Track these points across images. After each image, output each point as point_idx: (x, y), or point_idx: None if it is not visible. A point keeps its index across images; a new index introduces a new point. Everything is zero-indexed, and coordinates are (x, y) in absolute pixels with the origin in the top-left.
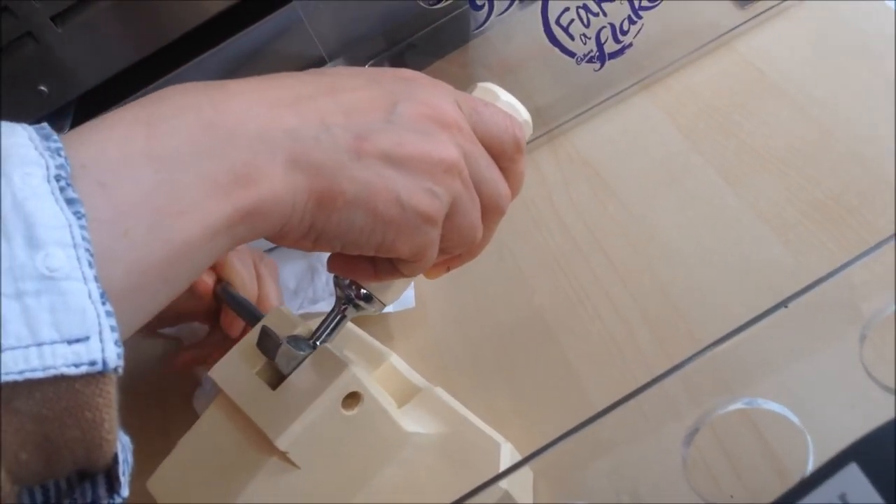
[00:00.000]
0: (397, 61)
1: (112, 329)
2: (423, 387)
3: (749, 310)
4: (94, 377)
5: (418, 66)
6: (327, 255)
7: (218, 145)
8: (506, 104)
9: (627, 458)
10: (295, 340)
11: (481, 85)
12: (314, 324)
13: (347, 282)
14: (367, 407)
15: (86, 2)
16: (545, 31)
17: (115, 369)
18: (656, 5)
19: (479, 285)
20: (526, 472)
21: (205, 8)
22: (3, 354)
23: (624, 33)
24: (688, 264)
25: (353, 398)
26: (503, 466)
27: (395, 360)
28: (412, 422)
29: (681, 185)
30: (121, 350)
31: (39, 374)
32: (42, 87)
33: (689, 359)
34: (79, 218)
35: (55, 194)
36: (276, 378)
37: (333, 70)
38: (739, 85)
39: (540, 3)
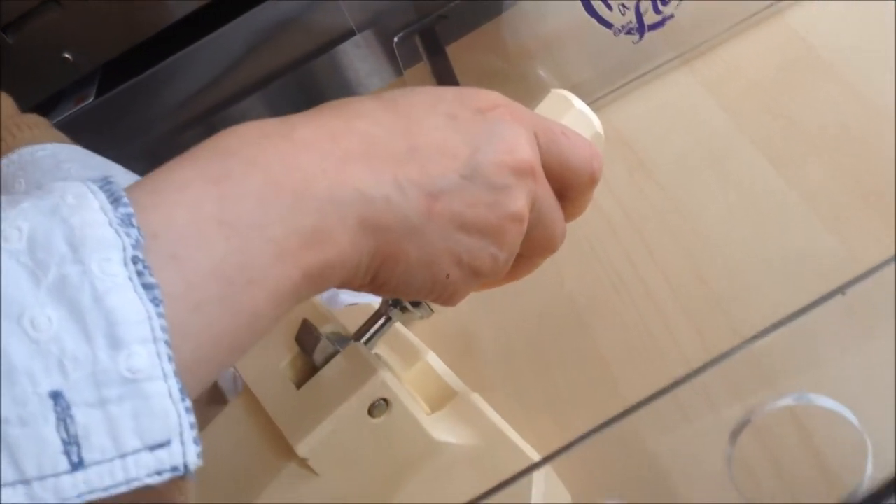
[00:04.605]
0: (428, 34)
1: (191, 427)
2: (459, 391)
3: (795, 301)
4: (174, 479)
5: (450, 39)
6: None
7: (287, 209)
8: (579, 112)
9: (664, 456)
10: (337, 339)
11: (555, 91)
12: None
13: None
14: (395, 414)
15: None
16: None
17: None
18: None
19: None
20: (557, 485)
21: None
22: (87, 470)
23: (665, 4)
24: (729, 251)
25: (381, 404)
26: (536, 488)
27: (432, 359)
28: (444, 431)
29: (723, 167)
30: (199, 448)
31: (123, 489)
32: (67, 55)
33: (733, 350)
34: (156, 305)
35: (133, 281)
36: (302, 375)
37: (408, 100)
38: (788, 61)
39: None
